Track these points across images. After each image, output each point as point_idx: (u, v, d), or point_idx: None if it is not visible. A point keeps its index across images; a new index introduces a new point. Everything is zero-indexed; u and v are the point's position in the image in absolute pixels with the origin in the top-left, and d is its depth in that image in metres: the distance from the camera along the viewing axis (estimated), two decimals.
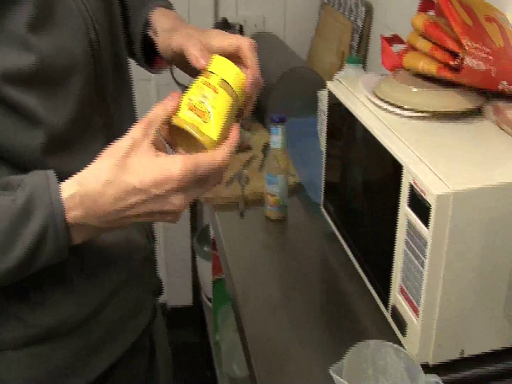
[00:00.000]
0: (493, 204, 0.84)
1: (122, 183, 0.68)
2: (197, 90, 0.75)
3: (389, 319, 0.99)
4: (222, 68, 0.77)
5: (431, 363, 0.92)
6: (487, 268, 0.88)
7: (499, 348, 0.94)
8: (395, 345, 0.81)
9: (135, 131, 0.70)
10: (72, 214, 0.69)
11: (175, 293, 2.43)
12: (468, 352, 0.93)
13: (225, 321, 1.89)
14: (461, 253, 0.85)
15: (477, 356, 0.94)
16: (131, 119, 0.92)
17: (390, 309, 0.98)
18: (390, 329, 0.98)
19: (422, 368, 0.82)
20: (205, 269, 2.09)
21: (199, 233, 2.20)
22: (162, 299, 2.40)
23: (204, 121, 0.72)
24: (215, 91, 0.74)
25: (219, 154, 0.71)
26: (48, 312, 0.81)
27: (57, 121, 0.74)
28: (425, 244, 0.85)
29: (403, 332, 0.94)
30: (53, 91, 0.73)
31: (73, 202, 0.69)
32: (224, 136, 0.74)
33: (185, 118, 0.72)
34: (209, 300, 2.13)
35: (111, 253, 0.87)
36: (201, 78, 0.77)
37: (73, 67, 0.75)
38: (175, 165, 0.68)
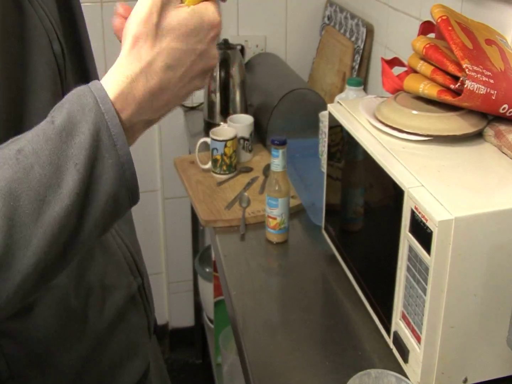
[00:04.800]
0: (496, 230, 0.83)
1: (170, 50, 0.61)
2: None
3: (391, 345, 0.98)
4: None
5: None
6: (490, 294, 0.86)
7: (503, 376, 0.93)
8: (397, 374, 0.80)
9: None
10: (125, 115, 0.59)
11: (177, 314, 2.41)
12: (472, 380, 0.91)
13: (226, 342, 1.88)
14: (463, 279, 0.84)
15: None
16: None
17: (392, 335, 0.97)
18: (392, 355, 0.97)
19: None
20: (207, 290, 2.07)
21: (201, 254, 2.19)
22: (163, 319, 2.40)
23: None
24: None
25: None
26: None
27: None
28: (426, 270, 0.84)
29: (405, 359, 0.93)
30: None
31: (124, 100, 0.59)
32: None
33: None
34: (211, 321, 2.11)
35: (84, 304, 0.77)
36: None
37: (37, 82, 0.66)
38: (209, 10, 0.63)
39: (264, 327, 1.09)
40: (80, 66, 0.79)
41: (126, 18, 0.63)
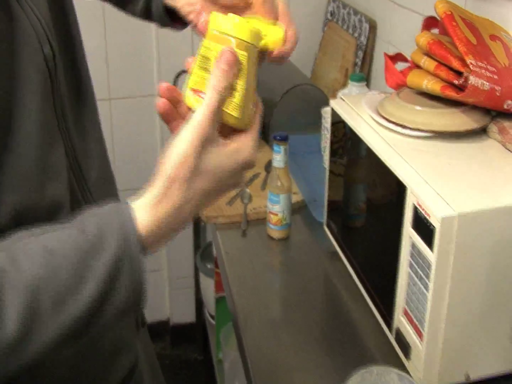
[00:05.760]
0: (499, 226, 0.83)
1: (203, 192, 0.64)
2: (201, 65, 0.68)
3: (393, 342, 0.97)
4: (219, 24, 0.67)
5: None
6: (493, 291, 0.86)
7: (505, 371, 0.92)
8: (399, 371, 0.79)
9: (198, 125, 0.62)
10: (148, 243, 0.62)
11: (178, 310, 2.41)
12: (474, 376, 0.91)
13: (228, 339, 1.87)
14: (466, 276, 0.84)
15: (482, 381, 0.92)
16: (98, 145, 0.83)
17: (394, 332, 0.97)
18: (394, 352, 0.97)
19: None
20: (208, 286, 2.07)
21: (202, 250, 2.18)
22: (164, 316, 2.40)
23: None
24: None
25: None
26: None
27: None
28: (429, 266, 0.83)
29: (407, 356, 0.92)
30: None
31: (149, 237, 0.62)
32: (247, 101, 0.68)
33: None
34: (212, 317, 2.11)
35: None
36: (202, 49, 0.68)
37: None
38: (247, 149, 0.68)
39: (265, 324, 1.08)
40: (71, 66, 0.78)
41: (169, 100, 0.67)
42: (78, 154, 0.75)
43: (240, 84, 0.66)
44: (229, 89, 0.65)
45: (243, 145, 0.67)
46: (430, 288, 0.84)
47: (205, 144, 0.62)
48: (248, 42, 0.67)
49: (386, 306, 0.99)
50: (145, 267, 0.61)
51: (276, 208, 1.25)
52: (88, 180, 0.77)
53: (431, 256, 0.83)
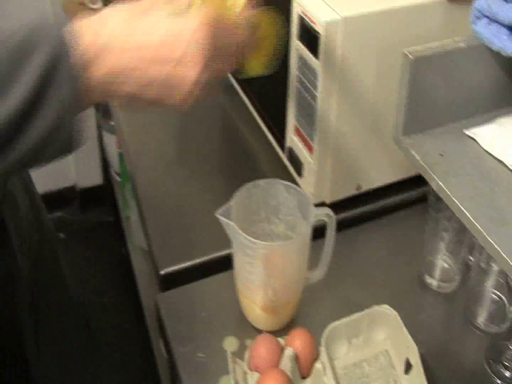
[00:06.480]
0: (385, 30, 0.81)
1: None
2: None
3: (286, 162, 0.97)
4: None
5: (328, 201, 0.91)
6: (380, 97, 0.85)
7: (394, 180, 0.94)
8: (286, 182, 0.78)
9: None
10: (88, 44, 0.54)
11: (85, 174, 2.35)
12: (365, 187, 0.92)
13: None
14: (353, 83, 0.82)
15: (374, 191, 0.94)
16: None
17: (287, 152, 0.96)
18: (289, 173, 0.96)
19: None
20: (111, 143, 2.02)
21: (103, 107, 2.10)
22: (71, 181, 2.34)
23: None
24: None
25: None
26: None
27: None
28: (315, 75, 0.81)
29: (300, 173, 0.92)
30: None
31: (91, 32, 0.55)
32: None
33: None
34: (118, 175, 2.07)
35: None
36: None
37: None
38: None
39: (158, 161, 1.05)
40: None
41: None
42: None
43: None
44: None
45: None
46: (318, 99, 0.82)
47: None
48: None
49: (279, 128, 0.97)
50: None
51: None
52: None
53: (317, 64, 0.80)
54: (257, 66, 0.71)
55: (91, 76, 0.55)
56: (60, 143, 0.54)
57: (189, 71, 0.57)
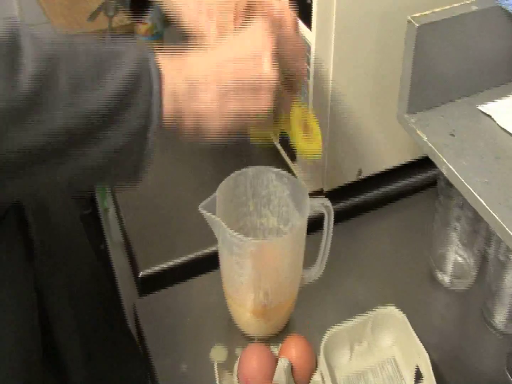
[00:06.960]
0: None
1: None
2: None
3: (279, 146, 0.89)
4: None
5: (325, 189, 0.84)
6: (382, 71, 0.77)
7: (396, 165, 0.88)
8: (278, 170, 0.70)
9: None
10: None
11: None
12: (366, 173, 0.86)
13: None
14: (351, 56, 0.74)
15: (376, 176, 0.87)
16: None
17: (279, 138, 0.88)
18: (282, 159, 0.88)
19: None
20: None
21: None
22: None
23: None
24: None
25: None
26: None
27: None
28: (309, 49, 0.73)
29: (293, 158, 0.85)
30: None
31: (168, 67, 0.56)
32: None
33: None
34: None
35: None
36: None
37: None
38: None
39: None
40: None
41: None
42: None
43: None
44: None
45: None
46: (311, 75, 0.74)
47: None
48: None
49: None
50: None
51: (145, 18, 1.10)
52: None
53: (310, 35, 0.72)
54: (259, 135, 0.69)
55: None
56: (128, 167, 0.54)
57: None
